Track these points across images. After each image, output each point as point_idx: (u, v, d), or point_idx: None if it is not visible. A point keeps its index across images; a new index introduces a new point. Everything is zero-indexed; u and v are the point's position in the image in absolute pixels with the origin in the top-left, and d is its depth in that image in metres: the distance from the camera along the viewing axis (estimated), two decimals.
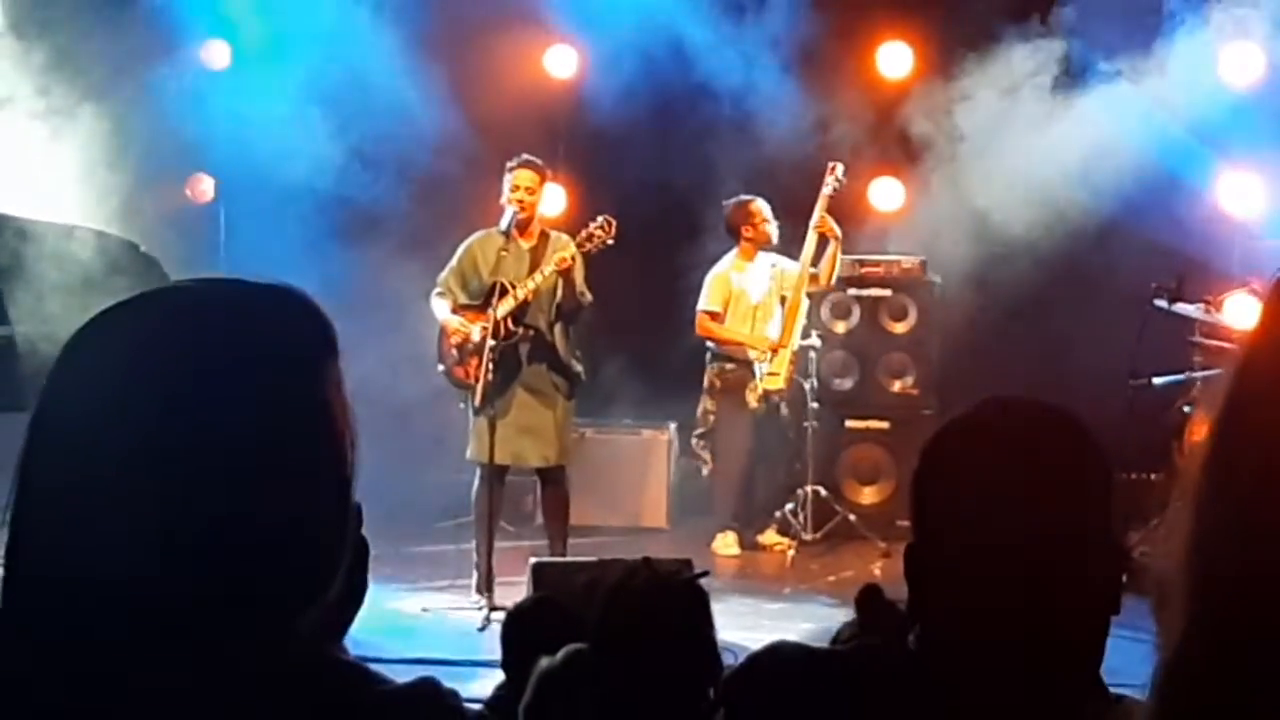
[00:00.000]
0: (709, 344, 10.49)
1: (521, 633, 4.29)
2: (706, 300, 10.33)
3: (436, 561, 9.30)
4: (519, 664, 3.94)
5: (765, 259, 10.36)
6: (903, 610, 2.13)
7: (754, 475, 10.64)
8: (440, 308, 8.84)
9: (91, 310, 1.54)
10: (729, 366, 10.43)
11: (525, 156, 8.77)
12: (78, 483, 1.45)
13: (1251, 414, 1.19)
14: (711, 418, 10.64)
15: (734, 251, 10.41)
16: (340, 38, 11.36)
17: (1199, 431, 1.26)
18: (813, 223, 10.17)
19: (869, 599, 2.21)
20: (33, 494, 1.48)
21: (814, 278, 10.30)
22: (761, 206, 10.33)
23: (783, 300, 10.30)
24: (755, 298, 10.31)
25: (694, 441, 10.83)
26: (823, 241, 10.23)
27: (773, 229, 10.29)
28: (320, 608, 1.51)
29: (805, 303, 10.33)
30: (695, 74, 11.37)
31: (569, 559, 8.44)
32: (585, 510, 9.78)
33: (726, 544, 10.51)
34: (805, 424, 10.56)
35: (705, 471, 10.78)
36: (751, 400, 10.32)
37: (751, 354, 10.29)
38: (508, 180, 8.71)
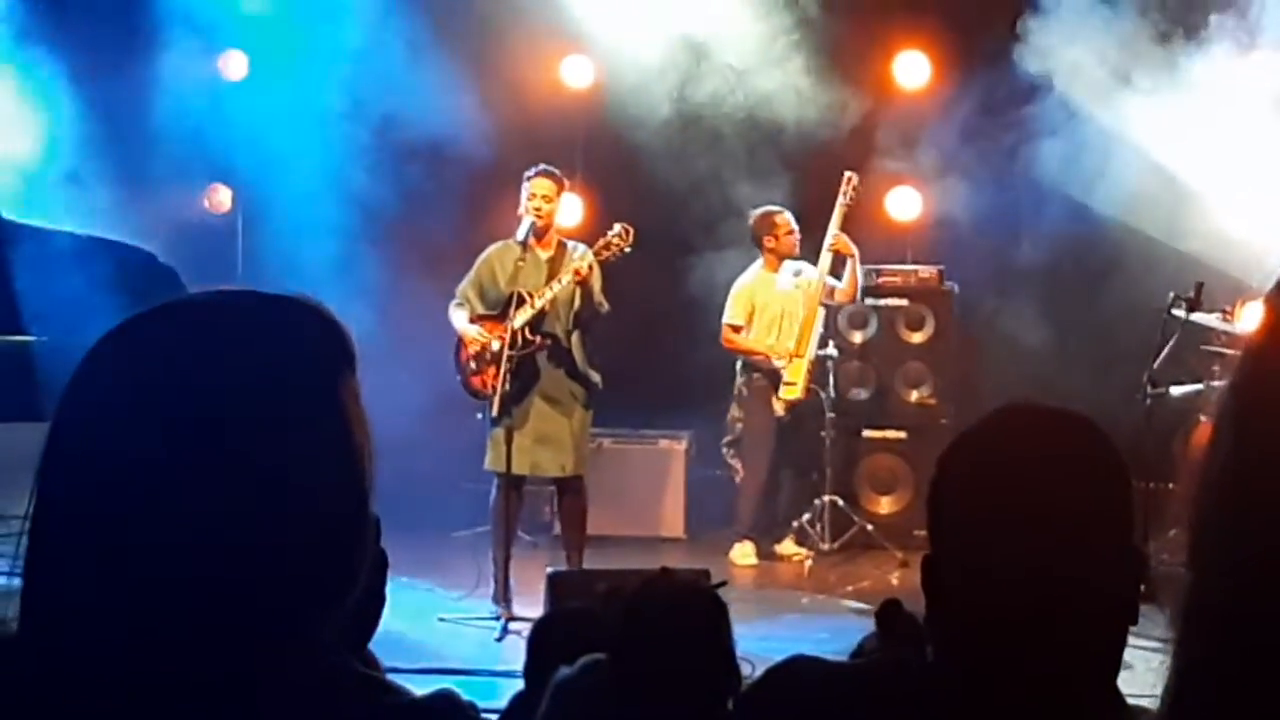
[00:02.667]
0: (734, 353, 10.54)
1: (548, 641, 4.28)
2: (729, 313, 10.40)
3: (454, 571, 9.29)
4: (540, 672, 3.93)
5: (790, 268, 10.40)
6: (924, 625, 2.12)
7: (776, 484, 10.66)
8: (458, 318, 8.85)
9: (109, 321, 1.54)
10: (756, 375, 10.48)
11: (543, 165, 8.79)
12: (95, 492, 1.46)
13: (1258, 420, 1.19)
14: (739, 426, 10.70)
15: (759, 262, 10.47)
16: (357, 49, 11.38)
17: (1202, 437, 1.25)
18: (827, 243, 10.22)
19: (890, 613, 2.20)
20: (51, 503, 1.48)
21: (835, 292, 10.34)
22: (785, 218, 10.39)
23: None
24: (779, 308, 10.35)
25: (724, 450, 10.88)
26: (839, 257, 10.28)
27: (795, 239, 10.35)
28: (338, 618, 1.51)
29: (821, 313, 10.35)
30: (711, 83, 11.37)
31: (586, 569, 8.43)
32: (603, 520, 9.78)
33: (744, 554, 10.51)
34: (822, 434, 10.56)
35: (738, 479, 10.79)
36: (778, 408, 10.36)
37: (777, 363, 10.32)
38: (525, 189, 8.72)
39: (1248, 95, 10.53)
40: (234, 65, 11.93)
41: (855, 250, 10.27)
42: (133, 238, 8.93)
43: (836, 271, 10.37)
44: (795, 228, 10.38)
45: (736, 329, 10.42)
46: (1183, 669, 1.19)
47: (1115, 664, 2.01)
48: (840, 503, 10.61)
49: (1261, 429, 1.17)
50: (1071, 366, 10.07)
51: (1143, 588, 2.01)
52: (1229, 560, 1.16)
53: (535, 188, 8.70)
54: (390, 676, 1.58)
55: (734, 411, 10.76)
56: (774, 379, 10.35)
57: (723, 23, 11.25)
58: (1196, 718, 1.17)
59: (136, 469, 1.44)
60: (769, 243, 10.40)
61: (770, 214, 10.43)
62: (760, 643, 6.79)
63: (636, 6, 11.36)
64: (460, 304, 8.89)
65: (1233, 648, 1.15)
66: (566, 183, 9.01)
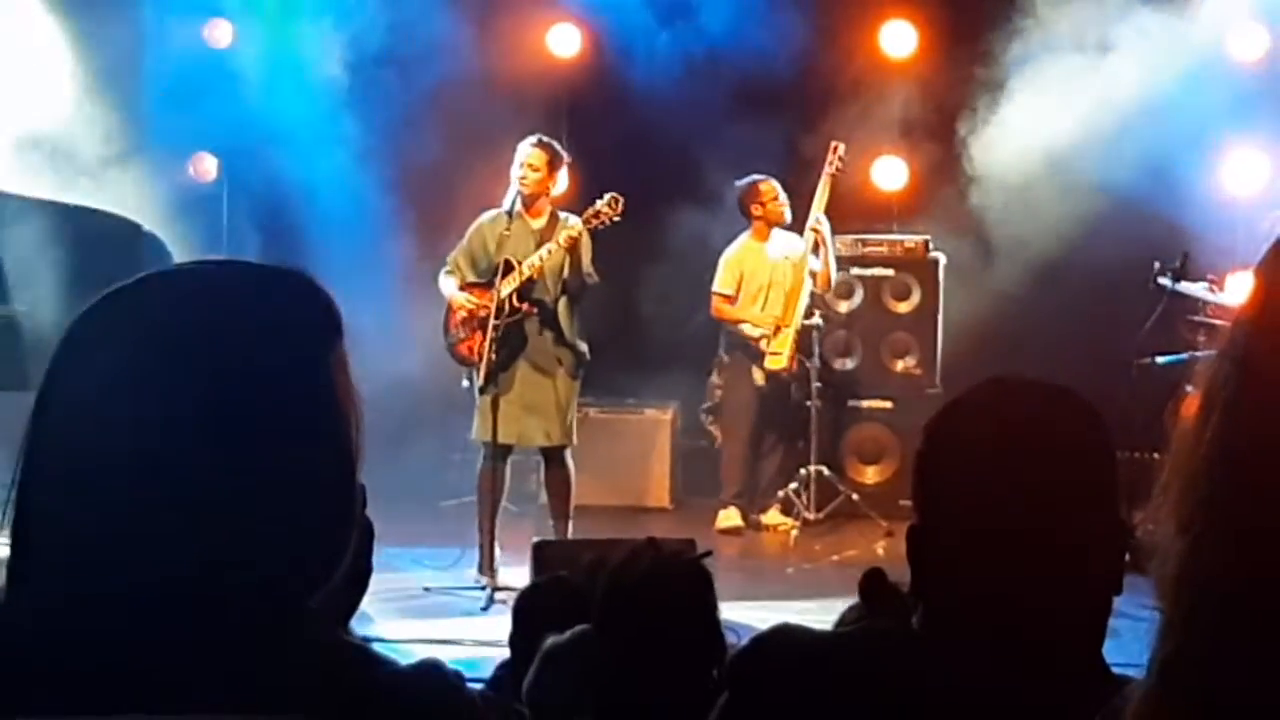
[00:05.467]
0: (723, 322, 10.55)
1: (533, 611, 4.28)
2: (719, 282, 10.40)
3: (439, 541, 9.29)
4: (526, 642, 3.94)
5: (779, 237, 10.40)
6: (906, 594, 2.13)
7: (758, 453, 10.67)
8: (447, 285, 8.84)
9: (94, 290, 1.54)
10: (738, 344, 10.47)
11: (538, 136, 8.77)
12: (82, 462, 1.45)
13: (1256, 390, 1.19)
14: (719, 394, 10.72)
15: (747, 232, 10.47)
16: (342, 17, 11.34)
17: (1189, 408, 1.25)
18: (810, 223, 10.22)
19: (873, 584, 2.21)
20: (37, 473, 1.48)
21: (816, 276, 10.35)
22: (770, 186, 10.37)
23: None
24: (766, 277, 10.34)
25: (702, 416, 10.89)
26: (818, 243, 10.30)
27: (783, 208, 10.34)
28: (327, 589, 1.51)
29: (808, 283, 10.35)
30: (699, 53, 11.35)
31: (572, 538, 8.44)
32: (588, 490, 9.77)
33: (729, 518, 10.52)
34: (808, 403, 10.57)
35: (717, 445, 10.82)
36: (758, 378, 10.36)
37: (755, 333, 10.32)
38: (515, 158, 8.72)
39: (1233, 60, 10.57)
40: (220, 33, 11.87)
41: (829, 242, 10.29)
42: (117, 206, 8.91)
43: (818, 251, 10.38)
44: (781, 195, 10.36)
45: (726, 298, 10.41)
46: (1171, 638, 1.19)
47: (1101, 633, 2.02)
48: (826, 472, 10.62)
49: (1258, 399, 1.17)
50: (1057, 337, 10.08)
51: (1128, 557, 2.01)
52: (1224, 530, 1.16)
53: (522, 156, 8.69)
54: (375, 646, 1.58)
55: (714, 379, 10.78)
56: (756, 349, 10.35)
57: None
58: (1186, 687, 1.17)
59: (123, 439, 1.44)
60: (756, 211, 10.39)
61: (755, 184, 10.42)
62: (745, 612, 6.81)
63: None
64: (450, 271, 8.88)
65: (1226, 616, 1.15)
66: (562, 157, 8.91)
